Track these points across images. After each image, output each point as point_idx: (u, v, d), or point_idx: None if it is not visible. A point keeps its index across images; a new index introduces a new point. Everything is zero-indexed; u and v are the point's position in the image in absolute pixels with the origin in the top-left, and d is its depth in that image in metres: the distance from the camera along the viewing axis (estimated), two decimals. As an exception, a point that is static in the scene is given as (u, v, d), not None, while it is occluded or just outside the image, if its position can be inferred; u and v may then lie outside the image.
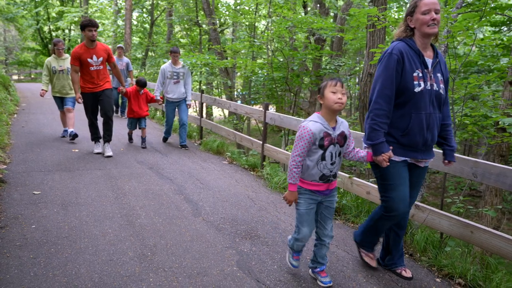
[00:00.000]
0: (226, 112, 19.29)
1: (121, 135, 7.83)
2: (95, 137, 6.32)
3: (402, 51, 2.60)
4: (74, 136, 6.86)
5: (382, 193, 2.81)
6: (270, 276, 2.91)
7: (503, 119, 3.98)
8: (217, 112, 26.81)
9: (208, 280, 2.79)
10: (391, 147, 2.66)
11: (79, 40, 27.84)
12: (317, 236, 2.83)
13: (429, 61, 2.68)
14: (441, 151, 2.97)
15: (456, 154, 3.21)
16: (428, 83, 2.62)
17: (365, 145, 2.78)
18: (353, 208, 4.27)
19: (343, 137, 2.62)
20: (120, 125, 9.00)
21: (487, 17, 4.07)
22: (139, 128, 7.15)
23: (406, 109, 2.63)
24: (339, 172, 4.53)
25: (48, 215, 3.72)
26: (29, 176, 4.83)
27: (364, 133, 2.78)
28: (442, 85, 2.70)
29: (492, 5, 10.23)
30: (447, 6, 4.56)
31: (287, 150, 5.75)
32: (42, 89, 6.97)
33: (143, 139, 7.13)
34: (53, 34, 30.47)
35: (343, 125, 2.64)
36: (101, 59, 5.78)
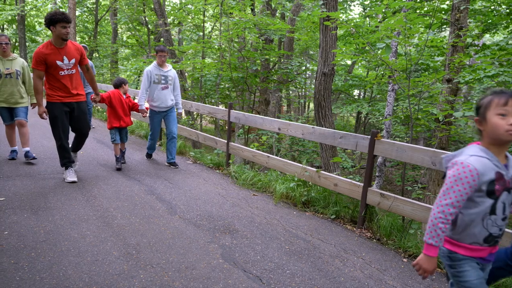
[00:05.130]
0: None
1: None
2: (66, 162, 4.87)
3: None
4: (33, 158, 5.66)
5: None
6: (255, 266, 3.06)
7: (456, 113, 4.43)
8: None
9: (197, 273, 2.89)
10: None
11: (14, 40, 26.17)
12: None
13: None
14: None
15: (417, 146, 3.57)
16: None
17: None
18: (321, 200, 4.52)
19: None
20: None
21: (436, 21, 4.47)
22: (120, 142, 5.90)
23: None
24: (308, 167, 4.77)
25: (19, 220, 3.60)
26: (-12, 183, 4.61)
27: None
28: None
29: (426, 8, 11.11)
30: (396, 14, 4.97)
31: (252, 148, 5.92)
32: None
33: (123, 153, 5.97)
34: (-16, 33, 28.36)
35: None
36: (73, 61, 4.65)
